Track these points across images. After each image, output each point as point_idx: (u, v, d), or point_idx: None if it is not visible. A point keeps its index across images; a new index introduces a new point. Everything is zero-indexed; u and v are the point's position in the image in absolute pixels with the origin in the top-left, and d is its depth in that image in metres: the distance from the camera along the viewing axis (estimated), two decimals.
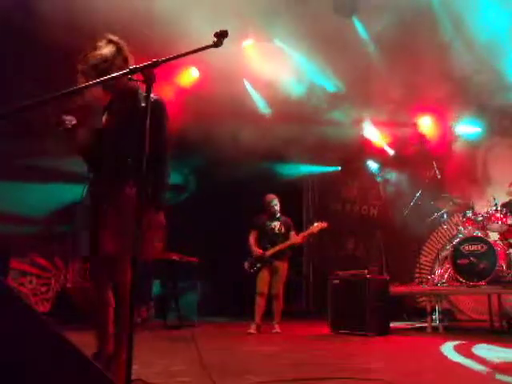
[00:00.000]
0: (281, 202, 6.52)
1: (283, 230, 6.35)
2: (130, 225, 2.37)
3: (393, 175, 8.96)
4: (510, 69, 6.67)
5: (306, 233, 6.39)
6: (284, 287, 6.22)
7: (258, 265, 6.19)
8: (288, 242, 6.23)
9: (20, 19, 5.09)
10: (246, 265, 6.30)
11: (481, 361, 3.67)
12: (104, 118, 2.76)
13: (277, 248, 6.18)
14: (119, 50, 2.67)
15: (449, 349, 4.38)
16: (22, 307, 1.46)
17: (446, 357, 3.97)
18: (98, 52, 2.63)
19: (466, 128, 7.98)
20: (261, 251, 6.23)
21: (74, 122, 2.66)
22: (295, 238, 6.28)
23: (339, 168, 9.73)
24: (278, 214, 6.43)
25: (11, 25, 5.15)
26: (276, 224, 6.38)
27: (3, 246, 6.15)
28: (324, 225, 6.28)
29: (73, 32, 4.63)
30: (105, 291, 2.64)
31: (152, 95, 2.63)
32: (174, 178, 7.96)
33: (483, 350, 4.30)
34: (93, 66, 2.60)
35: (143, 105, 2.64)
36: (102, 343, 2.59)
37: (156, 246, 2.68)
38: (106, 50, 2.65)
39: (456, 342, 4.74)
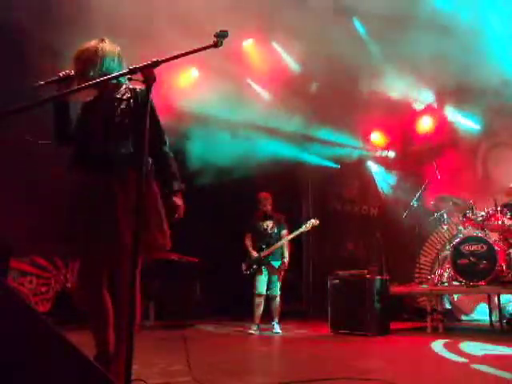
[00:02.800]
0: (281, 202, 6.52)
1: (275, 229, 6.36)
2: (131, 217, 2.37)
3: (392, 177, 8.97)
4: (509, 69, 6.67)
5: (296, 232, 6.34)
6: (281, 287, 6.22)
7: (255, 266, 6.20)
8: (279, 244, 6.22)
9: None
10: (243, 267, 6.33)
11: (465, 355, 3.93)
12: (92, 113, 2.76)
13: (270, 249, 6.18)
14: (102, 41, 2.71)
15: (438, 346, 4.56)
16: (22, 307, 1.46)
17: (436, 353, 4.14)
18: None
19: (467, 122, 7.97)
20: (256, 253, 6.25)
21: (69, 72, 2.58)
22: (285, 239, 6.28)
23: (339, 166, 9.70)
24: (270, 213, 6.44)
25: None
26: (268, 224, 6.38)
27: (3, 246, 6.15)
28: (316, 222, 6.33)
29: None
30: (102, 291, 2.61)
31: (137, 87, 2.67)
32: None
33: (469, 346, 4.50)
34: (76, 58, 2.65)
35: (124, 96, 2.68)
36: (103, 345, 2.57)
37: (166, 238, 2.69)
38: (91, 43, 2.70)
39: (445, 340, 4.89)
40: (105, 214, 2.52)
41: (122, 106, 2.68)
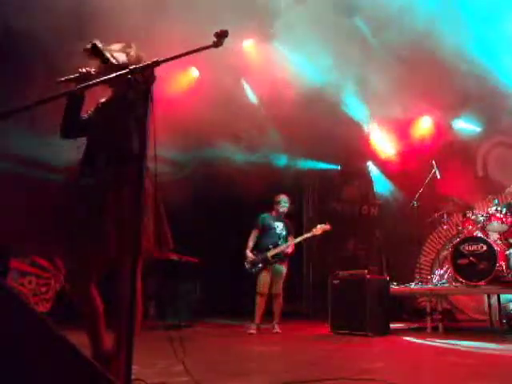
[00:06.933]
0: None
1: (285, 231, 6.38)
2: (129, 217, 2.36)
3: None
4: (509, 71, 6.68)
5: (306, 235, 6.36)
6: (284, 287, 6.22)
7: (260, 265, 6.19)
8: (288, 244, 6.24)
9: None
10: (248, 265, 6.30)
11: (465, 355, 4.00)
12: (100, 112, 2.77)
13: (277, 250, 6.18)
14: (129, 46, 2.71)
15: (438, 346, 4.69)
16: (22, 307, 1.46)
17: (436, 353, 4.20)
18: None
19: (466, 125, 7.98)
20: (251, 255, 6.25)
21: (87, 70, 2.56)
22: (293, 239, 6.33)
23: (339, 167, 9.72)
24: (283, 215, 6.46)
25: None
26: (279, 224, 6.39)
27: (3, 246, 6.15)
28: (327, 227, 6.28)
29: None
30: (89, 291, 2.60)
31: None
32: (175, 156, 7.96)
33: (469, 346, 4.55)
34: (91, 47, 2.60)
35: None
36: (96, 346, 2.57)
37: (167, 241, 2.68)
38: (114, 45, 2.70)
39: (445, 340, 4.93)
40: (92, 215, 2.52)
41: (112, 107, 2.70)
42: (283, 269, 6.22)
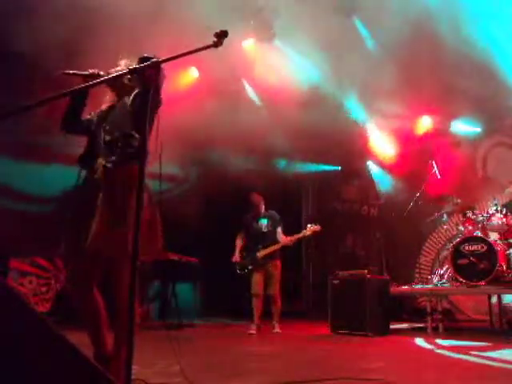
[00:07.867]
0: (281, 202, 6.50)
1: (271, 228, 6.29)
2: (124, 213, 2.37)
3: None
4: (509, 70, 6.67)
5: (297, 236, 6.22)
6: (280, 286, 6.19)
7: (250, 267, 6.17)
8: (278, 245, 6.17)
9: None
10: (238, 266, 6.29)
11: (465, 355, 4.00)
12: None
13: (267, 251, 6.14)
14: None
15: (438, 346, 4.68)
16: (22, 307, 1.46)
17: (436, 353, 4.23)
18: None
19: (466, 127, 7.99)
20: (238, 258, 6.26)
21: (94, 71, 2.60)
22: (284, 241, 6.19)
23: (339, 168, 9.73)
24: (264, 212, 6.39)
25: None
26: (263, 222, 6.33)
27: (3, 246, 6.15)
28: (317, 228, 6.14)
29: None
30: (90, 292, 2.60)
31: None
32: (174, 169, 8.01)
33: (469, 346, 4.51)
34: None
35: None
36: (98, 346, 2.56)
37: (157, 245, 2.67)
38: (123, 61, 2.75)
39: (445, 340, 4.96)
40: (88, 215, 2.53)
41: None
42: (276, 270, 6.16)
